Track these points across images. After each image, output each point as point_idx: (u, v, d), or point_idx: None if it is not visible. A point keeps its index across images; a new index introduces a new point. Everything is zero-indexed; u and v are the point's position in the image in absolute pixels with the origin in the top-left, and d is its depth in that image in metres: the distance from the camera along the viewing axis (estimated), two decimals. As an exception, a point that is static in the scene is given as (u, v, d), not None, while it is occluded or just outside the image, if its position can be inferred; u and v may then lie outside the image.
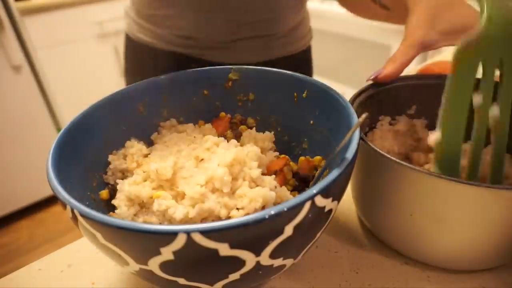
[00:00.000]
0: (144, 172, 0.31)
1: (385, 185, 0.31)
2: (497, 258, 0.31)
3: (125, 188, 0.30)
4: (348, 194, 0.39)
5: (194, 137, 0.36)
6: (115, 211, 0.30)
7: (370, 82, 0.38)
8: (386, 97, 0.39)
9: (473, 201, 0.26)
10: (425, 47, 0.35)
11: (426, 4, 0.36)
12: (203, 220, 0.27)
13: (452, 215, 0.28)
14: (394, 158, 0.28)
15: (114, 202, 0.30)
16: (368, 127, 0.39)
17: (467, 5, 0.36)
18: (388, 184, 0.31)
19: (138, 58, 0.65)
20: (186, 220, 0.27)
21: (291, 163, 0.35)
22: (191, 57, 0.59)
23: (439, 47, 0.36)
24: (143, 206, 0.30)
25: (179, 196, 0.29)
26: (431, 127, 0.41)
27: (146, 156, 0.34)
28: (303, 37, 0.66)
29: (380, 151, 0.29)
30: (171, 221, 0.27)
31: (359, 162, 0.34)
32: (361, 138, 0.30)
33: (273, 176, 0.32)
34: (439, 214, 0.28)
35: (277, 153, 0.37)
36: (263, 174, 0.31)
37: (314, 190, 0.21)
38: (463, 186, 0.25)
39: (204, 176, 0.28)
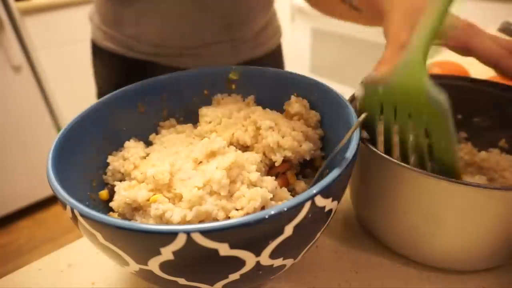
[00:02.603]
0: (141, 173, 0.31)
1: (379, 183, 0.31)
2: (492, 259, 0.31)
3: (121, 192, 0.30)
4: (348, 194, 0.39)
5: (194, 138, 0.36)
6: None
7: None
8: None
9: (468, 201, 0.26)
10: None
11: (403, 7, 0.35)
12: (201, 222, 0.27)
13: (447, 215, 0.28)
14: (389, 157, 0.28)
15: (111, 204, 0.30)
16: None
17: None
18: (382, 182, 0.31)
19: (106, 65, 0.64)
20: (183, 223, 0.27)
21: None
22: (158, 64, 0.58)
23: None
24: (140, 208, 0.30)
25: (177, 198, 0.29)
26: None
27: (144, 157, 0.34)
28: (271, 37, 0.65)
29: (376, 150, 0.29)
30: (168, 224, 0.27)
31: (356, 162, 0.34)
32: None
33: (274, 177, 0.32)
34: (433, 214, 0.28)
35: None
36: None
37: (314, 190, 0.21)
38: (458, 186, 0.25)
39: (202, 178, 0.28)
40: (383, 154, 0.28)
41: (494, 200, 0.25)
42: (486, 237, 0.28)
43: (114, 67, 0.62)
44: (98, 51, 0.64)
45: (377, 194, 0.32)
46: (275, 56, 0.69)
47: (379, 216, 0.33)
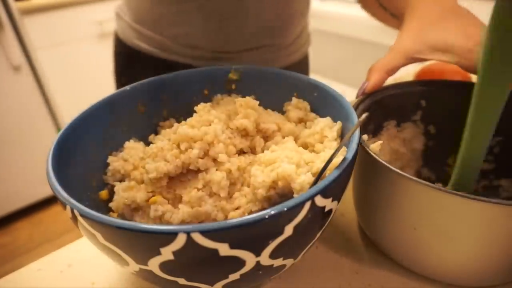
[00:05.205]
0: (141, 174, 0.31)
1: (388, 197, 0.30)
2: (504, 275, 0.30)
3: (120, 193, 0.30)
4: (349, 196, 0.39)
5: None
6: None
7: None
8: (391, 103, 0.38)
9: (480, 216, 0.25)
10: (412, 57, 0.35)
11: (419, 15, 0.36)
12: (201, 223, 0.27)
13: (458, 231, 0.27)
14: (399, 171, 0.27)
15: (111, 205, 0.30)
16: (372, 134, 0.38)
17: (462, 20, 0.34)
18: (391, 196, 0.30)
19: (133, 65, 0.60)
20: (183, 224, 0.26)
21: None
22: (192, 68, 0.56)
23: (426, 60, 0.36)
24: (140, 209, 0.30)
25: (176, 199, 0.29)
26: (437, 132, 0.40)
27: (144, 158, 0.34)
28: (304, 44, 0.64)
29: (386, 164, 0.28)
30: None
31: (361, 172, 0.33)
32: (364, 149, 0.29)
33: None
34: (444, 229, 0.27)
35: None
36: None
37: (314, 190, 0.21)
38: (470, 201, 0.24)
39: (201, 179, 0.28)
40: (393, 168, 0.27)
41: (508, 216, 0.24)
42: (500, 253, 0.27)
43: (144, 68, 0.59)
44: (124, 50, 0.60)
45: (384, 207, 0.31)
46: (304, 63, 0.68)
47: (386, 230, 0.33)
